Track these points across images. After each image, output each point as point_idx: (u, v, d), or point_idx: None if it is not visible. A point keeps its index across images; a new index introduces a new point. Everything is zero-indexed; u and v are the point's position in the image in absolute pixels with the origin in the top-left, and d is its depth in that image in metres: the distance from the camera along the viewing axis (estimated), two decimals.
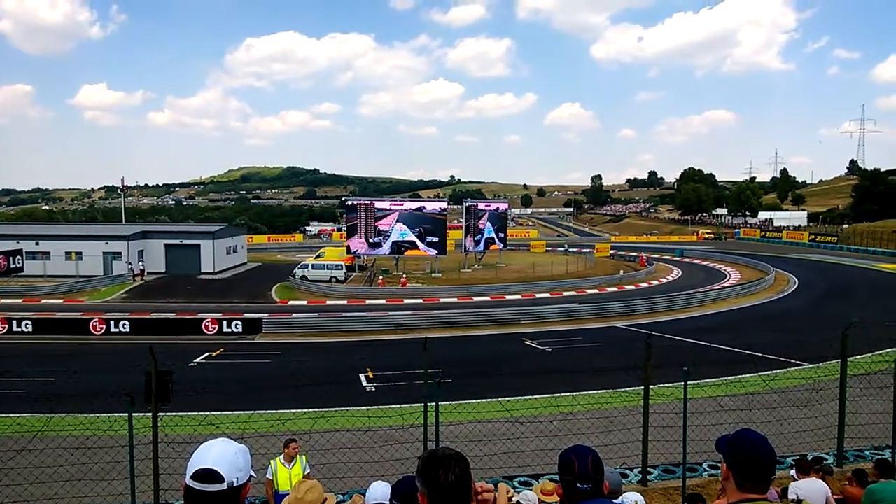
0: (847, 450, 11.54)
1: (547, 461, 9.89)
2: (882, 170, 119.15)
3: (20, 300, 41.02)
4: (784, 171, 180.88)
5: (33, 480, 10.33)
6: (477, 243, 59.51)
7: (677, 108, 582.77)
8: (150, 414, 9.10)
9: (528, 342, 27.77)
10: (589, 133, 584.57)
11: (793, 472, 7.68)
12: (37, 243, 52.61)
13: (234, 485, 2.20)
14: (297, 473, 8.71)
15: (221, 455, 2.22)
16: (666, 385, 13.25)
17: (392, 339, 29.28)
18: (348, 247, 54.13)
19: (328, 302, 42.05)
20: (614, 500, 3.41)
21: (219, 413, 14.99)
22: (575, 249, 76.58)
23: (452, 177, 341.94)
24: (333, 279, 49.37)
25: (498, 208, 66.35)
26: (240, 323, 30.39)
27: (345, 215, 63.31)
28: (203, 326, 29.88)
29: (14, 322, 29.80)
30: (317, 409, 15.94)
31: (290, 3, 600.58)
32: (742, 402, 15.01)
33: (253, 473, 2.37)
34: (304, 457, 9.16)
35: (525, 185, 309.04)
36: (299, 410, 14.90)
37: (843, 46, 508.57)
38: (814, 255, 70.50)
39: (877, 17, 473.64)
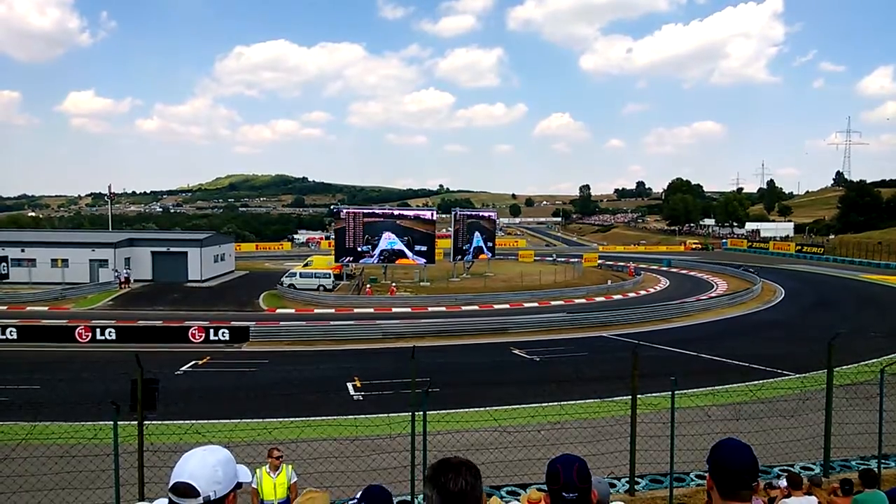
0: (833, 460, 11.62)
1: (534, 471, 9.90)
2: (868, 181, 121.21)
3: (5, 307, 40.50)
4: (771, 182, 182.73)
5: (17, 489, 10.22)
6: (465, 252, 59.52)
7: (666, 119, 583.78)
8: (136, 422, 9.03)
9: (516, 351, 27.78)
10: (578, 143, 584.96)
11: (782, 482, 7.72)
12: (22, 250, 52.18)
13: (212, 498, 2.17)
14: (281, 483, 8.65)
15: (199, 468, 2.19)
16: (653, 395, 13.35)
17: (380, 348, 29.20)
18: (336, 255, 54.07)
19: (316, 310, 41.90)
20: None
21: (205, 421, 14.85)
22: (563, 259, 76.83)
23: (442, 186, 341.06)
24: (321, 287, 49.17)
25: (487, 218, 66.51)
26: (227, 331, 30.14)
27: (333, 224, 63.21)
28: (190, 334, 29.61)
29: None
30: (304, 418, 15.86)
31: (281, 11, 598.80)
32: (729, 412, 15.08)
33: (243, 478, 2.34)
34: (289, 466, 9.10)
35: (514, 195, 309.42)
36: (286, 419, 14.83)
37: (830, 59, 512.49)
38: (800, 266, 71.04)
39: (862, 32, 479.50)
